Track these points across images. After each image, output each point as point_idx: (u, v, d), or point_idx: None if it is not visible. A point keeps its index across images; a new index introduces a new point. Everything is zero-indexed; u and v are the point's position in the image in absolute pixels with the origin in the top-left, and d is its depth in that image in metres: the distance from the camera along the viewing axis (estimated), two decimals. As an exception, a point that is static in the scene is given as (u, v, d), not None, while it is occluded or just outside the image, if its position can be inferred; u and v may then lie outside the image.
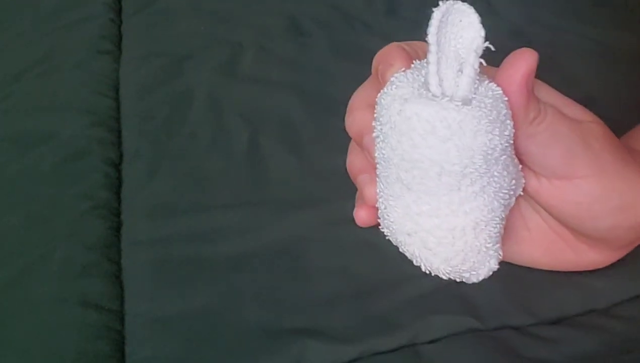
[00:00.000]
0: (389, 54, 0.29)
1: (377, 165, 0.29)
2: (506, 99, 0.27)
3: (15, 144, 0.47)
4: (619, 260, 0.35)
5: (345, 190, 0.34)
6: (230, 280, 0.38)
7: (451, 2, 0.26)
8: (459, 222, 0.27)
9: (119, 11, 0.60)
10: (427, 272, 0.29)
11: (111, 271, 0.40)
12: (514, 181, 0.28)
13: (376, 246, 0.37)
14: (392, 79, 0.27)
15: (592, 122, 0.30)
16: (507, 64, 0.27)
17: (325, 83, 0.50)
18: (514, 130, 0.27)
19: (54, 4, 0.59)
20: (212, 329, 0.36)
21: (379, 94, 0.27)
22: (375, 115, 0.28)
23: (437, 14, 0.26)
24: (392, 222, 0.29)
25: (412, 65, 0.28)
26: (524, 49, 0.27)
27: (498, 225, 0.28)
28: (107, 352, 0.36)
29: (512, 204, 0.30)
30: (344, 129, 0.31)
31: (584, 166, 0.29)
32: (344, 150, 0.33)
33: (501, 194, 0.28)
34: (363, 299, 0.36)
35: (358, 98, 0.31)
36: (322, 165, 0.43)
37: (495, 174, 0.27)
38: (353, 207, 0.32)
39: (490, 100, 0.26)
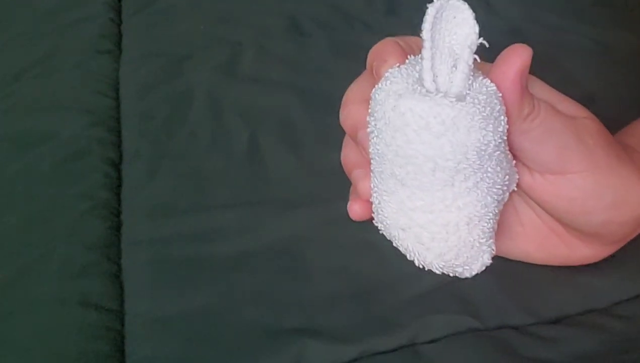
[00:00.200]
0: (383, 50, 0.29)
1: (372, 160, 0.29)
2: (500, 95, 0.27)
3: (15, 144, 0.47)
4: (618, 260, 0.35)
5: (345, 190, 0.34)
6: (230, 280, 0.38)
7: None
8: (452, 218, 0.27)
9: (119, 11, 0.60)
10: (421, 266, 0.29)
11: (111, 271, 0.40)
12: (507, 177, 0.29)
13: (376, 246, 0.37)
14: (386, 74, 0.27)
15: (586, 118, 0.30)
16: (500, 60, 0.27)
17: (325, 83, 0.50)
18: (507, 126, 0.27)
19: (54, 3, 0.59)
20: (212, 329, 0.36)
21: (373, 89, 0.27)
22: (369, 110, 0.28)
23: (431, 10, 0.26)
24: (386, 217, 0.29)
25: (407, 61, 0.28)
26: (518, 45, 0.27)
27: (491, 221, 0.29)
28: (107, 351, 0.36)
29: (506, 200, 0.30)
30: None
31: (577, 162, 0.29)
32: (343, 150, 0.33)
33: (494, 190, 0.28)
34: (363, 299, 0.36)
35: (352, 92, 0.31)
36: (322, 164, 0.43)
37: (489, 169, 0.27)
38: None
39: (484, 97, 0.26)
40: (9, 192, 0.44)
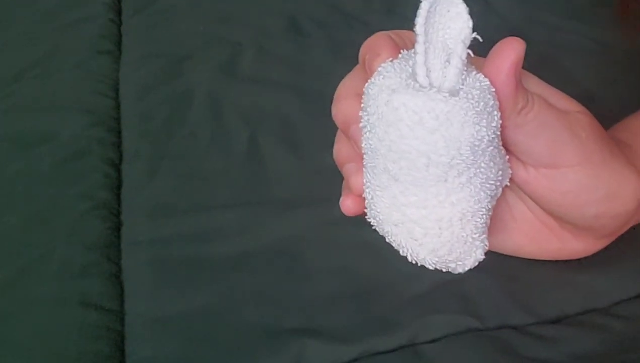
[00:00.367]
0: (376, 44, 0.29)
1: (364, 155, 0.28)
2: (494, 90, 0.27)
3: (15, 144, 0.47)
4: (618, 260, 0.35)
5: (345, 190, 0.34)
6: (230, 280, 0.38)
7: None
8: (445, 213, 0.27)
9: (119, 11, 0.60)
10: (414, 262, 0.29)
11: (111, 271, 0.40)
12: (500, 172, 0.29)
13: (376, 246, 0.37)
14: (379, 68, 0.27)
15: (580, 112, 0.30)
16: (494, 53, 0.27)
17: (324, 83, 0.49)
18: (501, 121, 0.27)
19: (54, 4, 0.59)
20: (212, 329, 0.36)
21: (366, 84, 0.27)
22: (362, 105, 0.28)
23: (425, 4, 0.26)
24: (378, 212, 0.29)
25: (400, 55, 0.28)
26: (512, 38, 0.27)
27: (484, 216, 0.29)
28: (107, 352, 0.36)
29: (499, 195, 0.30)
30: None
31: (571, 155, 0.29)
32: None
33: (488, 185, 0.28)
34: (363, 299, 0.36)
35: (344, 87, 0.31)
36: (322, 164, 0.43)
37: (482, 165, 0.27)
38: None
39: (478, 91, 0.26)
40: (9, 192, 0.44)
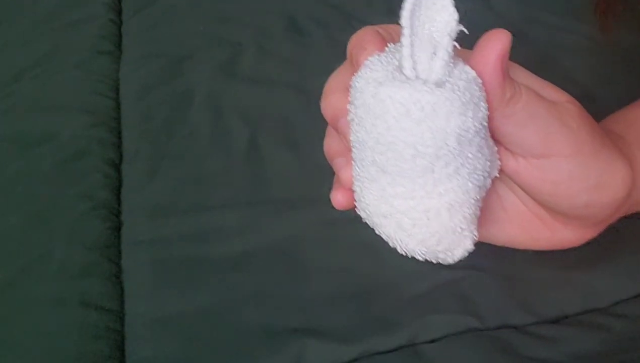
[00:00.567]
0: (362, 38, 0.29)
1: (352, 148, 0.29)
2: (480, 81, 0.27)
3: (16, 144, 0.47)
4: (618, 260, 0.35)
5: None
6: (230, 280, 0.38)
7: None
8: (433, 204, 0.27)
9: (119, 11, 0.60)
10: (403, 253, 0.29)
11: (111, 271, 0.40)
12: (488, 163, 0.29)
13: (376, 246, 0.36)
14: (365, 62, 0.27)
15: (569, 102, 0.30)
16: (481, 45, 0.27)
17: (324, 83, 0.50)
18: (488, 112, 0.27)
19: (54, 4, 0.59)
20: (212, 329, 0.36)
21: (353, 77, 0.28)
22: (349, 98, 0.28)
23: None
24: (367, 204, 0.29)
25: (387, 49, 0.28)
26: (497, 30, 0.27)
27: (473, 207, 0.29)
28: (107, 352, 0.36)
29: (488, 186, 0.30)
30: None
31: (561, 145, 0.29)
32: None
33: (475, 176, 0.28)
34: (363, 299, 0.36)
35: (333, 81, 0.31)
36: (322, 164, 0.43)
37: (469, 155, 0.27)
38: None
39: (464, 83, 0.26)
40: (10, 192, 0.44)
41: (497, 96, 0.27)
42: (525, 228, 0.34)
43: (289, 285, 0.37)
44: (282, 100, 0.49)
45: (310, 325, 0.36)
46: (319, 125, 0.46)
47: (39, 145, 0.47)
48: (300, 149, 0.45)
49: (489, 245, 0.37)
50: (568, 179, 0.30)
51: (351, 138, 0.28)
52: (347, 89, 0.28)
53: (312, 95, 0.49)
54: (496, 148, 0.30)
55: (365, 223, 0.32)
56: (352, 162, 0.29)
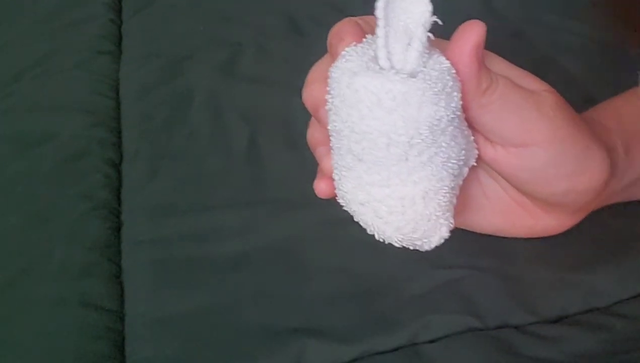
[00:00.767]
0: (341, 29, 0.30)
1: (331, 138, 0.29)
2: (454, 71, 0.27)
3: (16, 144, 0.47)
4: (619, 260, 0.35)
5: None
6: (230, 280, 0.38)
7: None
8: (408, 192, 0.28)
9: (119, 11, 0.60)
10: (381, 240, 0.30)
11: (111, 271, 0.40)
12: (463, 152, 0.29)
13: (376, 246, 0.36)
14: (342, 53, 0.28)
15: (546, 91, 0.31)
16: (456, 36, 0.28)
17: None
18: (462, 102, 0.28)
19: (54, 4, 0.59)
20: (212, 329, 0.36)
21: (330, 68, 0.28)
22: (327, 88, 0.28)
23: None
24: (346, 192, 0.29)
25: (364, 40, 0.29)
26: (473, 21, 0.28)
27: (448, 194, 0.29)
28: (107, 352, 0.36)
29: (465, 174, 0.30)
30: None
31: (537, 133, 0.29)
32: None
33: (450, 164, 0.28)
34: (363, 299, 0.36)
35: (314, 72, 0.32)
36: (322, 164, 0.43)
37: (443, 144, 0.28)
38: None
39: (437, 73, 0.26)
40: (10, 193, 0.44)
41: (473, 86, 0.28)
42: (508, 216, 0.35)
43: (289, 285, 0.37)
44: (282, 100, 0.49)
45: (310, 325, 0.36)
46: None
47: (39, 145, 0.47)
48: (300, 149, 0.45)
49: (489, 245, 0.37)
50: (546, 166, 0.30)
51: (329, 127, 0.29)
52: (326, 79, 0.29)
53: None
54: (472, 137, 0.30)
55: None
56: (331, 151, 0.30)
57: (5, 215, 0.43)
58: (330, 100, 0.28)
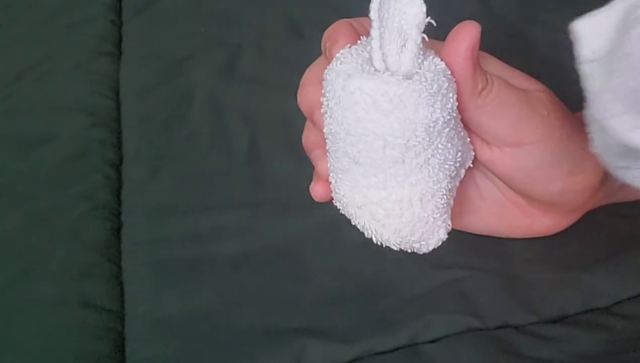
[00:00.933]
0: (335, 31, 0.30)
1: (326, 140, 0.29)
2: (449, 72, 0.27)
3: (16, 145, 0.47)
4: (619, 259, 0.35)
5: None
6: (230, 280, 0.38)
7: None
8: (405, 194, 0.28)
9: (119, 12, 0.60)
10: (379, 243, 0.30)
11: (111, 272, 0.40)
12: (459, 153, 0.29)
13: (375, 247, 0.37)
14: (337, 55, 0.28)
15: (540, 90, 0.31)
16: (451, 37, 0.28)
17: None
18: (457, 103, 0.28)
19: (54, 5, 0.59)
20: (212, 329, 0.36)
21: (325, 70, 0.28)
22: (322, 91, 0.28)
23: None
24: (342, 195, 0.29)
25: (359, 42, 0.29)
26: (467, 22, 0.28)
27: (445, 196, 0.29)
28: (107, 352, 0.36)
29: (462, 176, 0.30)
30: None
31: (532, 132, 0.30)
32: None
33: (446, 166, 0.28)
34: (363, 299, 0.36)
35: (309, 74, 0.32)
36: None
37: (439, 146, 0.28)
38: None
39: (432, 74, 0.26)
40: (10, 193, 0.44)
41: (468, 87, 0.28)
42: (504, 217, 0.35)
43: (289, 285, 0.37)
44: (282, 102, 0.49)
45: (310, 325, 0.36)
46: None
47: (39, 146, 0.47)
48: (300, 150, 0.45)
49: (489, 245, 0.37)
50: (541, 165, 0.30)
51: (325, 130, 0.28)
52: (321, 81, 0.29)
53: (312, 96, 0.49)
54: (469, 138, 0.30)
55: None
56: (327, 153, 0.29)
57: (5, 215, 0.43)
58: (325, 102, 0.28)
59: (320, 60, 0.32)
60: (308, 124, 0.33)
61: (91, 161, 0.46)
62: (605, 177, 0.32)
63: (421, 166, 0.27)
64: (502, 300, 0.35)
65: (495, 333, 0.34)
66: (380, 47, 0.26)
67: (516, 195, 0.33)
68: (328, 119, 0.28)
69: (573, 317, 0.35)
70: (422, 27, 0.26)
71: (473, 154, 0.31)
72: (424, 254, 0.31)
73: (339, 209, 0.31)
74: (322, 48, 0.31)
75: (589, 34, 0.22)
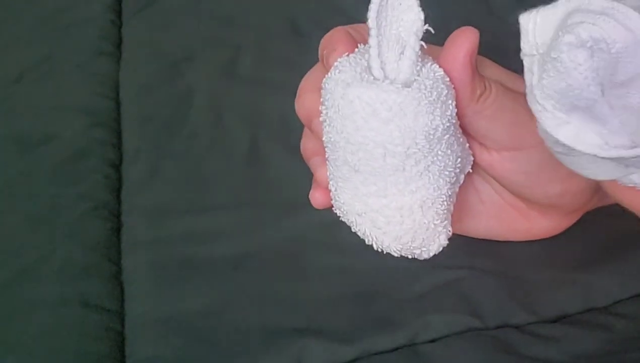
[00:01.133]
0: (332, 39, 0.30)
1: (326, 148, 0.29)
2: (448, 79, 0.27)
3: (16, 145, 0.47)
4: (619, 259, 0.35)
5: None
6: (230, 280, 0.38)
7: None
8: (406, 201, 0.28)
9: (119, 13, 0.60)
10: (380, 250, 0.30)
11: (111, 272, 0.40)
12: (459, 159, 0.29)
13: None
14: (335, 63, 0.28)
15: None
16: (449, 43, 0.28)
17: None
18: (456, 110, 0.28)
19: (54, 5, 0.59)
20: (212, 329, 0.36)
21: (323, 79, 0.28)
22: (321, 99, 0.28)
23: None
24: (342, 203, 0.29)
25: (356, 50, 0.29)
26: (465, 28, 0.28)
27: (445, 203, 0.29)
28: (107, 352, 0.36)
29: (461, 181, 0.30)
30: None
31: (531, 136, 0.30)
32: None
33: (446, 173, 0.29)
34: (363, 299, 0.36)
35: (306, 82, 0.32)
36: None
37: (439, 153, 0.28)
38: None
39: (431, 82, 0.26)
40: (10, 193, 0.44)
41: (467, 93, 0.28)
42: (503, 220, 0.35)
43: (289, 286, 0.37)
44: (283, 102, 0.49)
45: (310, 325, 0.36)
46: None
47: (39, 146, 0.47)
48: (300, 150, 0.45)
49: (489, 245, 0.37)
50: (539, 169, 0.30)
51: (324, 138, 0.28)
52: (319, 89, 0.29)
53: (312, 96, 0.49)
54: (467, 144, 0.30)
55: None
56: (327, 161, 0.29)
57: (6, 215, 0.43)
58: (324, 111, 0.28)
59: (317, 67, 0.32)
60: (306, 131, 0.33)
61: (91, 161, 0.46)
62: None
63: (421, 173, 0.27)
64: (502, 300, 0.35)
65: (495, 333, 0.34)
66: (379, 55, 0.26)
67: (515, 198, 0.33)
68: (327, 127, 0.28)
69: (573, 317, 0.35)
70: (420, 35, 0.26)
71: (472, 159, 0.31)
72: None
73: (340, 217, 0.31)
74: (320, 56, 0.31)
75: (532, 29, 0.23)
